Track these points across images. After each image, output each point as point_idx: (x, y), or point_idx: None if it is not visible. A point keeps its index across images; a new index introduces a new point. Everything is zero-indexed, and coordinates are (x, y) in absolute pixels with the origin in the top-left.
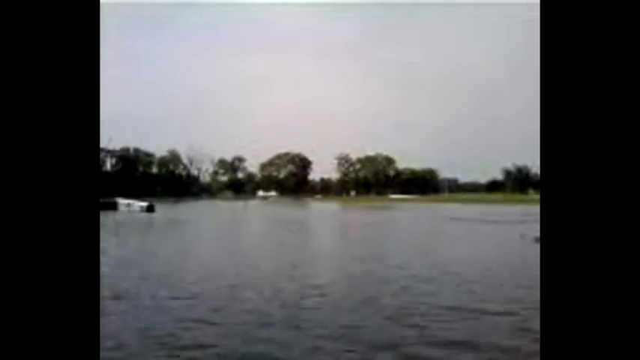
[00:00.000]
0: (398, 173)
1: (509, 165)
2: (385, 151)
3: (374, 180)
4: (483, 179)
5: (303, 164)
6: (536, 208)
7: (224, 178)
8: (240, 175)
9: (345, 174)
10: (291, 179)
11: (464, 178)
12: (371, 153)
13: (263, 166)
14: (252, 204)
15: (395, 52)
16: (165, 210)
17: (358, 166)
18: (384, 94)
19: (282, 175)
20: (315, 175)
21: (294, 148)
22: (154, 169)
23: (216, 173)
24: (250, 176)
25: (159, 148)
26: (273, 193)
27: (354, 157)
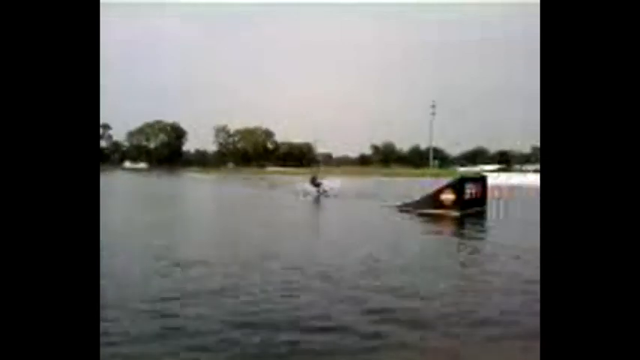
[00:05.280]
0: (277, 146)
1: (377, 142)
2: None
3: (253, 152)
4: (353, 154)
5: (177, 134)
6: (398, 181)
7: None
8: (104, 144)
9: (223, 146)
10: (164, 150)
11: (336, 153)
12: (250, 125)
13: (131, 135)
14: (117, 176)
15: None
16: None
17: (237, 137)
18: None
19: (152, 145)
20: (190, 146)
21: (167, 117)
22: None
23: None
24: (116, 145)
25: None
26: (142, 165)
27: (232, 129)
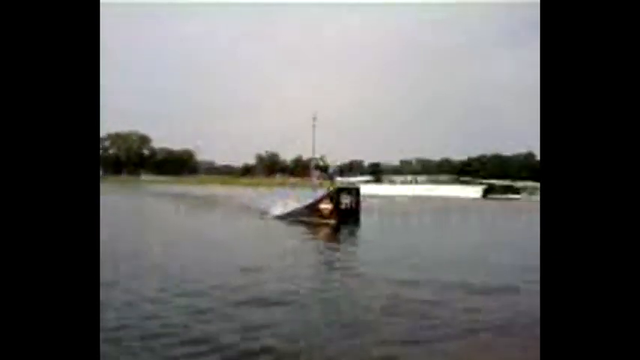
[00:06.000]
0: (153, 153)
1: (262, 151)
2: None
3: (126, 159)
4: (237, 163)
5: None
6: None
7: None
8: None
9: None
10: None
11: (220, 161)
12: (124, 130)
13: None
14: None
15: None
16: None
17: (107, 143)
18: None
19: None
20: None
21: None
22: None
23: None
24: None
25: None
26: None
27: (103, 133)
